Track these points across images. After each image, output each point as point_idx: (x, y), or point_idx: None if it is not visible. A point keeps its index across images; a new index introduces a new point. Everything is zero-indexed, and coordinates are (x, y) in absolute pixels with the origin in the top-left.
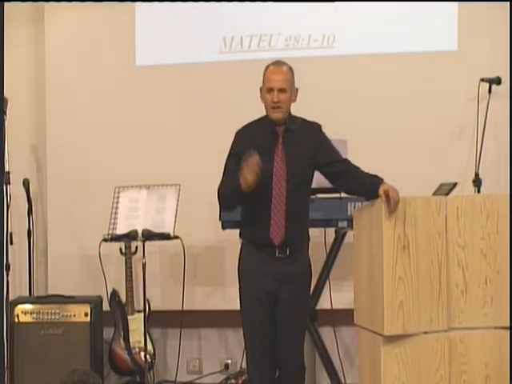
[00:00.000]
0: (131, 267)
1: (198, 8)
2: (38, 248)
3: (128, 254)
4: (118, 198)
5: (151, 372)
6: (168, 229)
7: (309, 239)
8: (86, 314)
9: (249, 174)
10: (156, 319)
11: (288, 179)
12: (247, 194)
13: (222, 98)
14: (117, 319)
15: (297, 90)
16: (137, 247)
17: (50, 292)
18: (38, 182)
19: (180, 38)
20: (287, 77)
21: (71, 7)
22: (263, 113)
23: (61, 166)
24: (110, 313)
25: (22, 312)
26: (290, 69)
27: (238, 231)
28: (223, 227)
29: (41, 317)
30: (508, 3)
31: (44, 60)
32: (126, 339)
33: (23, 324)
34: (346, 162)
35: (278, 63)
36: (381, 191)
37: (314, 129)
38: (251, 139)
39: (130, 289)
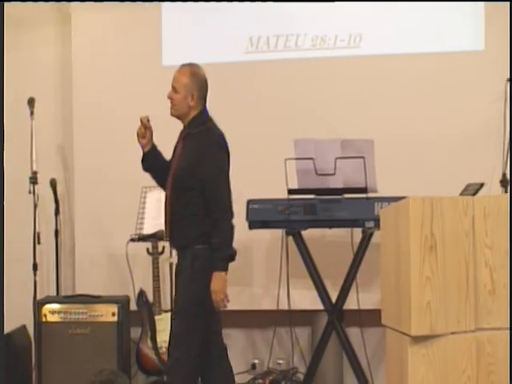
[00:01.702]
0: (158, 267)
1: (224, 8)
2: (65, 248)
3: (155, 254)
4: (144, 198)
5: None
6: None
7: (203, 243)
8: (113, 314)
9: (139, 131)
10: None
11: (173, 182)
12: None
13: (247, 98)
14: (144, 319)
15: (193, 95)
16: (164, 247)
17: (77, 292)
18: (64, 181)
19: (206, 37)
20: (182, 78)
21: (98, 7)
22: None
23: (87, 165)
24: (137, 313)
25: (49, 312)
26: (193, 73)
27: (265, 231)
28: (250, 227)
29: (68, 316)
30: (508, 3)
31: (71, 60)
32: (153, 339)
33: (51, 324)
34: (213, 201)
35: (184, 65)
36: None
37: (205, 140)
38: (178, 138)
39: (157, 289)
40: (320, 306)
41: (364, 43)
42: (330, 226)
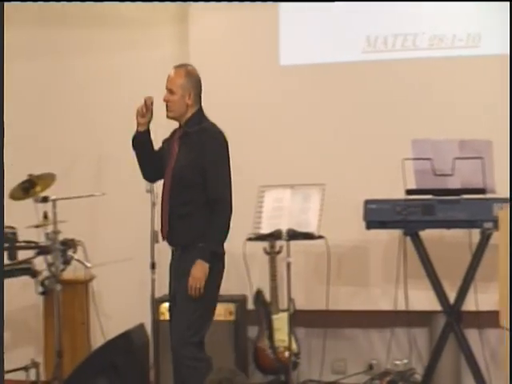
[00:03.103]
0: (275, 266)
1: (341, 7)
2: None
3: (272, 254)
4: (262, 197)
5: (295, 371)
6: (312, 228)
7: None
8: (230, 313)
9: (140, 109)
10: (300, 318)
11: (172, 181)
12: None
13: (365, 98)
14: (261, 318)
15: (190, 94)
16: (281, 246)
17: None
18: None
19: (323, 37)
20: (178, 79)
21: (215, 7)
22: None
23: None
24: (255, 312)
25: (167, 310)
26: (188, 73)
27: (382, 231)
28: (368, 227)
29: None
30: (508, 3)
31: (188, 60)
32: (271, 338)
33: (168, 322)
34: (214, 197)
35: (179, 66)
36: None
37: (205, 137)
38: (170, 137)
39: (274, 288)
40: (438, 307)
41: (483, 43)
42: (448, 227)
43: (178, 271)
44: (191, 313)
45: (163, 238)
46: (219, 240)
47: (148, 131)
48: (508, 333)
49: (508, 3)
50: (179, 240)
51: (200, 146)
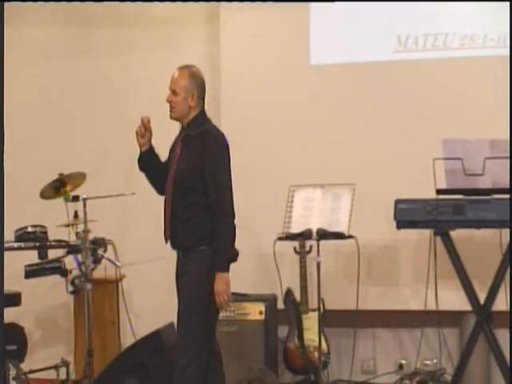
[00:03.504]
0: (305, 266)
1: (372, 7)
2: None
3: (302, 253)
4: (292, 197)
5: (325, 371)
6: (342, 228)
7: (207, 244)
8: (260, 313)
9: (139, 130)
10: (330, 318)
11: (173, 184)
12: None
13: (395, 98)
14: (291, 318)
15: (193, 95)
16: (311, 246)
17: None
18: None
19: (354, 36)
20: (181, 81)
21: (246, 7)
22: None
23: (235, 164)
24: (285, 311)
25: None
26: (192, 74)
27: (413, 231)
28: (398, 227)
29: None
30: (508, 3)
31: (219, 59)
32: (301, 338)
33: None
34: (215, 201)
35: (183, 67)
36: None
37: (206, 140)
38: (175, 140)
39: (304, 288)
40: (468, 307)
41: None
42: (479, 227)
43: (180, 273)
44: (195, 324)
45: (166, 241)
46: (229, 246)
47: (151, 148)
48: None
49: (508, 3)
50: (181, 243)
51: (201, 149)
